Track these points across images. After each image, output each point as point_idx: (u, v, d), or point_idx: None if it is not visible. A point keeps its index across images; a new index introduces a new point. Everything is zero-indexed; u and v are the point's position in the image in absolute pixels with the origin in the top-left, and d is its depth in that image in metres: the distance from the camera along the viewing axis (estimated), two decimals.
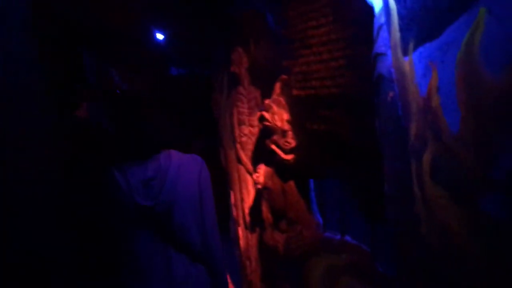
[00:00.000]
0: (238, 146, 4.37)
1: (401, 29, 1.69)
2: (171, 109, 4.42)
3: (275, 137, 3.43)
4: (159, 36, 6.49)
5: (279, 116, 3.41)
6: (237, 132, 4.35)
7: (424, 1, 1.52)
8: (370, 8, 2.17)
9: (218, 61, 4.73)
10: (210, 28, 4.90)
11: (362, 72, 2.61)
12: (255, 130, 4.16)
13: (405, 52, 1.67)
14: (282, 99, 3.43)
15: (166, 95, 5.06)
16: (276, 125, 3.41)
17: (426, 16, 1.53)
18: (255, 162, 4.04)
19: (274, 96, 3.50)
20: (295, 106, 3.28)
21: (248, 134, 4.24)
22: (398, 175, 1.89)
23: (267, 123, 3.47)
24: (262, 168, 3.71)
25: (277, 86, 3.47)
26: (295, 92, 3.21)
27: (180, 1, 5.54)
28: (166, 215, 2.72)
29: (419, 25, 1.57)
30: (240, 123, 4.25)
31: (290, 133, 3.34)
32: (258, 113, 3.61)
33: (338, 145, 3.03)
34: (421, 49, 1.56)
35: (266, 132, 3.53)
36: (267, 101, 3.53)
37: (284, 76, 3.38)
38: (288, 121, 3.38)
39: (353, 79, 2.71)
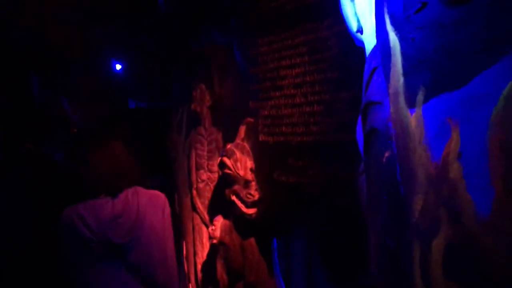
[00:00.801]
0: (194, 192, 3.91)
1: (406, 73, 1.31)
2: (127, 143, 4.31)
3: (236, 187, 2.98)
4: (117, 66, 6.03)
5: (242, 164, 2.98)
6: (194, 176, 3.89)
7: (441, 39, 1.15)
8: (359, 47, 1.81)
9: (178, 97, 4.32)
10: (172, 61, 4.50)
11: (342, 121, 2.24)
12: (215, 176, 3.72)
13: (410, 103, 1.29)
14: (246, 145, 3.02)
15: (122, 129, 4.83)
16: (238, 173, 2.98)
17: (444, 59, 1.15)
18: (213, 212, 3.58)
19: (238, 141, 3.08)
20: (261, 154, 2.87)
21: (206, 180, 3.80)
22: (391, 257, 1.48)
23: (228, 171, 3.03)
24: (220, 221, 3.24)
25: (242, 130, 3.06)
26: (262, 137, 2.81)
27: (141, 31, 5.14)
28: (132, 251, 2.89)
29: (433, 69, 1.19)
30: (198, 167, 3.80)
31: (253, 184, 2.91)
32: (219, 158, 3.16)
33: (308, 201, 2.62)
34: (434, 101, 1.19)
35: (227, 181, 3.09)
36: (229, 146, 3.11)
37: (250, 119, 2.99)
38: (252, 170, 2.96)
39: (331, 128, 2.33)
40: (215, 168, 3.63)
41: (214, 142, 3.69)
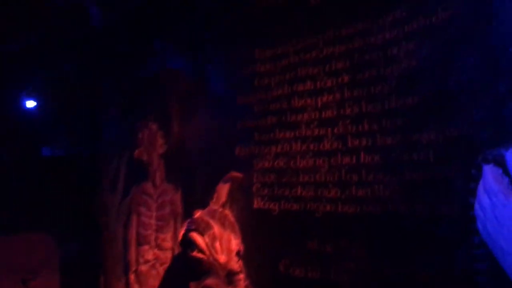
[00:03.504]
0: (132, 278, 2.75)
1: None
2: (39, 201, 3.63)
3: (210, 281, 1.86)
4: (29, 104, 4.69)
5: (224, 244, 1.90)
6: (133, 254, 2.74)
7: None
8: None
9: (112, 141, 3.15)
10: (105, 93, 3.35)
11: (427, 181, 1.27)
12: (166, 256, 2.59)
13: None
14: (230, 214, 1.94)
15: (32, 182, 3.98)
16: (216, 259, 1.86)
17: None
18: None
19: (215, 207, 2.01)
20: (256, 229, 1.83)
21: (152, 261, 2.67)
22: None
23: (199, 255, 1.94)
24: None
25: (223, 190, 2.00)
26: (258, 203, 1.80)
27: (62, 53, 3.94)
28: None
29: None
30: (142, 241, 2.67)
31: (242, 278, 1.81)
32: (181, 232, 2.05)
33: None
34: None
35: (195, 269, 1.95)
36: (199, 214, 2.03)
37: (236, 174, 1.92)
38: (240, 255, 1.87)
39: (398, 193, 1.36)
40: (169, 244, 2.53)
41: (168, 205, 2.57)
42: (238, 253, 1.94)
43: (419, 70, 1.42)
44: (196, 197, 2.38)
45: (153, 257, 2.65)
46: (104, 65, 3.51)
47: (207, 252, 1.95)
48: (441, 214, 1.33)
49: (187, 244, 2.05)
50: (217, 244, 1.94)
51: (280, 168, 1.81)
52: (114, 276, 2.93)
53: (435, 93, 1.37)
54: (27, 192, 4.13)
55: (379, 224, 1.51)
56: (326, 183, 1.65)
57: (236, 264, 1.92)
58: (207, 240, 1.96)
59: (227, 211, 2.04)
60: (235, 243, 1.95)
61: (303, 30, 1.77)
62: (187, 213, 2.43)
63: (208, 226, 1.99)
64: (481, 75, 1.27)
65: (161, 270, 2.62)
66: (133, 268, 2.70)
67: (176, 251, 2.54)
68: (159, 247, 2.63)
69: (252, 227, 1.92)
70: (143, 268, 2.68)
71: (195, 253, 1.99)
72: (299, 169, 1.74)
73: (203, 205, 2.22)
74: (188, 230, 2.06)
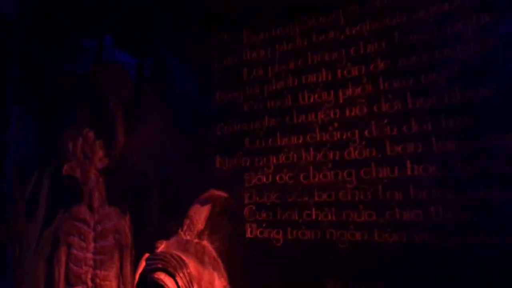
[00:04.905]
0: None
1: None
2: None
3: None
4: None
5: (201, 285, 1.39)
6: None
7: None
8: None
9: (27, 155, 2.51)
10: (13, 96, 2.73)
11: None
12: None
13: None
14: (209, 246, 1.46)
15: None
16: None
17: None
18: None
19: (187, 237, 1.53)
20: (250, 267, 1.34)
21: None
22: None
23: None
24: None
25: (199, 215, 1.50)
26: (252, 231, 1.33)
27: None
28: None
29: None
30: (73, 281, 2.09)
31: None
32: (139, 270, 1.55)
33: None
34: None
35: None
36: (164, 247, 1.51)
37: (218, 193, 1.46)
38: None
39: (460, 210, 1.00)
40: (112, 284, 1.94)
41: (111, 234, 2.04)
42: None
43: (495, 53, 1.07)
44: (152, 224, 1.85)
45: None
46: (12, 64, 2.85)
47: None
48: None
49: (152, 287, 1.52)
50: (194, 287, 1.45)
51: (284, 185, 1.37)
52: None
53: None
54: None
55: (436, 261, 1.12)
56: (355, 204, 1.24)
57: None
58: (180, 282, 1.45)
59: (206, 243, 1.55)
60: (220, 286, 1.46)
61: (314, 4, 1.37)
62: (140, 245, 1.89)
63: (181, 263, 1.48)
64: None
65: None
66: None
67: None
68: None
69: (244, 264, 1.44)
70: None
71: None
72: (313, 185, 1.32)
73: (164, 234, 1.71)
74: (151, 269, 1.53)
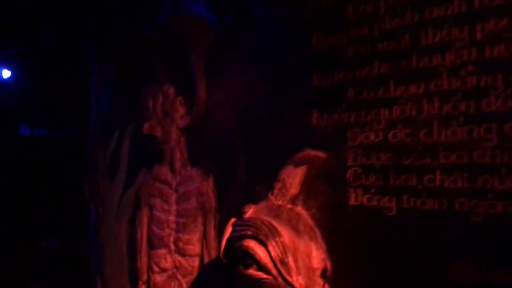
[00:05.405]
0: None
1: None
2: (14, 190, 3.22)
3: None
4: (5, 74, 4.00)
5: (299, 259, 1.23)
6: (143, 260, 2.10)
7: None
8: None
9: (108, 112, 2.45)
10: (97, 52, 2.69)
11: None
12: (191, 264, 1.93)
13: None
14: (305, 213, 1.27)
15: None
16: (287, 282, 1.19)
17: None
18: None
19: (279, 202, 1.33)
20: (354, 239, 1.12)
21: (171, 270, 2.10)
22: None
23: (259, 274, 1.24)
24: None
25: (293, 178, 1.30)
26: (357, 198, 1.08)
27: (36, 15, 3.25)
28: None
29: None
30: (156, 243, 2.01)
31: None
32: (225, 235, 1.41)
33: None
34: None
35: None
36: (253, 212, 1.33)
37: (315, 153, 1.24)
38: (327, 277, 1.19)
39: None
40: (195, 248, 1.85)
41: (194, 197, 1.92)
42: (323, 274, 1.27)
43: None
44: (237, 187, 1.69)
45: (173, 265, 1.98)
46: (89, 22, 2.80)
47: (274, 271, 1.28)
48: None
49: (238, 256, 1.37)
50: (290, 259, 1.27)
51: (399, 143, 1.14)
52: (117, 286, 2.27)
53: None
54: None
55: None
56: (495, 167, 0.99)
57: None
58: (273, 252, 1.29)
59: (300, 209, 1.37)
60: (318, 259, 1.28)
61: None
62: (224, 209, 1.76)
63: (273, 231, 1.31)
64: None
65: (184, 283, 1.95)
66: (144, 278, 2.06)
67: (207, 259, 1.87)
68: (181, 252, 1.96)
69: (347, 235, 1.24)
70: (158, 278, 2.02)
71: (253, 271, 1.32)
72: (438, 144, 1.07)
73: (251, 198, 1.55)
74: (239, 236, 1.38)
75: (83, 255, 2.76)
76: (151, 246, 2.05)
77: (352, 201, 1.23)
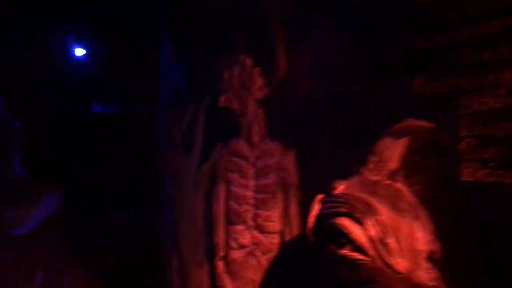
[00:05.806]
0: (220, 265, 2.11)
1: None
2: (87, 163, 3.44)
3: None
4: (78, 52, 4.09)
5: (402, 241, 1.14)
6: (221, 236, 2.09)
7: None
8: None
9: (182, 85, 2.42)
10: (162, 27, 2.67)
11: None
12: (271, 241, 1.88)
13: None
14: (406, 190, 1.15)
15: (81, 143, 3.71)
16: (387, 264, 1.08)
17: None
18: None
19: (374, 177, 1.21)
20: (468, 218, 0.97)
21: (249, 247, 2.03)
22: None
23: (354, 254, 1.16)
24: None
25: (392, 150, 1.17)
26: (472, 173, 0.91)
27: None
28: None
29: None
30: (233, 219, 1.98)
31: None
32: (313, 212, 1.30)
33: None
34: None
35: (339, 276, 1.18)
36: (345, 187, 1.22)
37: (419, 123, 1.09)
38: (434, 260, 1.05)
39: None
40: (275, 225, 1.79)
41: (273, 172, 1.83)
42: (430, 257, 1.15)
43: None
44: (322, 161, 1.58)
45: (251, 242, 1.92)
46: None
47: (371, 252, 1.18)
48: None
49: (329, 235, 1.27)
50: (390, 240, 1.16)
51: None
52: (193, 262, 2.26)
53: None
54: (75, 155, 3.56)
55: None
56: None
57: (426, 275, 1.13)
58: (370, 232, 1.18)
59: (401, 185, 1.24)
60: (424, 240, 1.15)
61: None
62: (306, 184, 1.66)
63: (371, 209, 1.20)
64: None
65: (264, 260, 1.89)
66: (222, 254, 2.01)
67: (288, 237, 1.80)
68: (259, 228, 1.89)
69: (459, 216, 1.10)
70: (237, 255, 1.97)
71: (347, 252, 1.22)
72: None
73: (338, 174, 1.43)
74: (331, 213, 1.28)
75: (157, 230, 2.78)
76: (229, 222, 2.00)
77: (465, 177, 1.08)
